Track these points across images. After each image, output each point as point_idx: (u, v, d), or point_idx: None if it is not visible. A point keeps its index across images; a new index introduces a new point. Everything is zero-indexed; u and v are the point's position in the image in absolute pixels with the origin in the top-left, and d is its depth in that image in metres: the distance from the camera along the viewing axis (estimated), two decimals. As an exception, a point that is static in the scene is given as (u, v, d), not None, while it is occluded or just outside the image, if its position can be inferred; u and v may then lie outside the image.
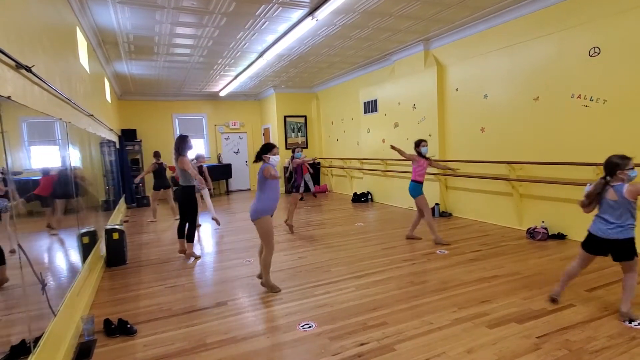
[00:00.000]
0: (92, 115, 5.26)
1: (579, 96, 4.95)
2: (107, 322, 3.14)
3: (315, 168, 12.04)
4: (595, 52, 4.72)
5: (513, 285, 3.71)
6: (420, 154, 5.36)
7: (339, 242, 5.63)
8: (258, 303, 3.58)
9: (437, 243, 5.28)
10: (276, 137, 12.27)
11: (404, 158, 5.42)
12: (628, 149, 4.47)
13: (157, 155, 8.10)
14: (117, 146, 9.74)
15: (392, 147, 5.55)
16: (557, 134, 5.20)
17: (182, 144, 4.97)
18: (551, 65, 5.26)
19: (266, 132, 13.25)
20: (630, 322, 2.84)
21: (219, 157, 12.99)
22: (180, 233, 5.28)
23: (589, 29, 4.77)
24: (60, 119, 3.39)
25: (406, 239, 5.63)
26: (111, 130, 8.19)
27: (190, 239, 5.19)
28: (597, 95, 4.76)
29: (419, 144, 5.36)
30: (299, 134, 12.53)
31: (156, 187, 8.09)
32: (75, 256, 3.63)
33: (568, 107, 5.09)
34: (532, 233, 5.38)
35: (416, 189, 5.38)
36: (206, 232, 6.94)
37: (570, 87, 5.05)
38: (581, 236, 5.14)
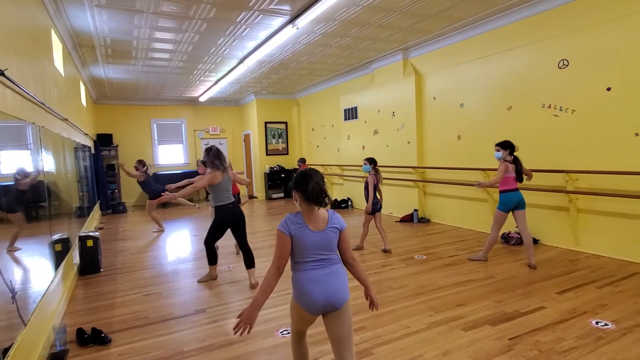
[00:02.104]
0: (66, 120, 5.14)
1: (549, 106, 5.16)
2: (80, 331, 3.06)
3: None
4: (564, 64, 4.94)
5: (487, 288, 3.81)
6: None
7: (319, 248, 5.64)
8: (237, 310, 3.55)
9: (473, 259, 4.83)
10: (257, 143, 12.23)
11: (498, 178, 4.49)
12: (594, 156, 4.70)
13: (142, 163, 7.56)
14: (92, 151, 9.51)
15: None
16: (529, 142, 5.39)
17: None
18: (523, 76, 5.47)
19: (247, 138, 13.20)
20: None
21: (198, 163, 12.82)
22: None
23: (558, 42, 4.99)
24: (34, 123, 3.31)
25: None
26: (86, 135, 8.00)
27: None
28: (566, 106, 4.97)
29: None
30: (280, 140, 12.53)
31: (151, 197, 7.46)
32: (47, 264, 3.53)
33: (539, 117, 5.29)
34: (506, 238, 5.54)
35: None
36: (185, 239, 6.84)
37: (541, 98, 5.26)
38: (553, 241, 5.39)
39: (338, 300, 1.90)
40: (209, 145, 4.36)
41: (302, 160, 9.31)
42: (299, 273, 1.92)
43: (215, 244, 4.42)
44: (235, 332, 1.79)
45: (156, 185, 7.59)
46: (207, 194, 5.58)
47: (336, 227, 1.95)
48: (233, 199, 4.29)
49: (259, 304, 1.83)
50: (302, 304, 1.92)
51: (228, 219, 4.23)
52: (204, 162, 4.34)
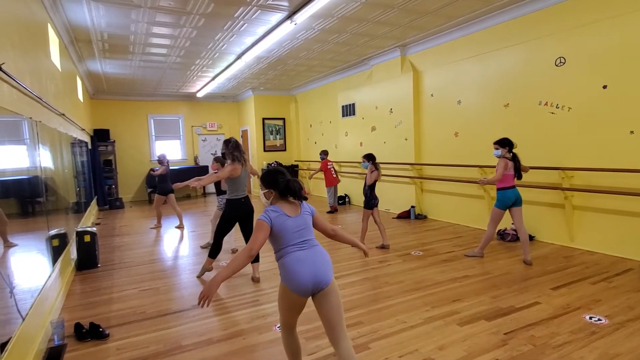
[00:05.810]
0: (63, 115, 5.12)
1: (546, 103, 5.19)
2: (78, 326, 3.07)
3: (294, 171, 12.05)
4: (561, 62, 4.96)
5: (483, 284, 3.85)
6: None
7: (316, 244, 5.66)
8: (235, 305, 3.57)
9: (469, 255, 4.85)
10: (254, 139, 12.22)
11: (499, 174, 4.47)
12: (590, 154, 4.73)
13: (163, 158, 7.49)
14: (89, 147, 9.47)
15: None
16: (525, 139, 5.40)
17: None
18: (520, 74, 5.48)
19: (244, 134, 13.18)
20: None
21: (195, 159, 12.83)
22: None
23: (555, 40, 5.00)
24: (30, 117, 3.30)
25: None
26: (83, 130, 7.97)
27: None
28: (562, 103, 5.00)
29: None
30: (278, 136, 12.53)
31: (162, 192, 7.41)
32: (45, 259, 3.53)
33: (536, 114, 5.32)
34: (502, 235, 5.58)
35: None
36: (183, 235, 6.84)
37: (538, 95, 5.28)
38: (548, 238, 5.43)
39: (324, 278, 2.02)
40: (228, 137, 4.39)
41: (325, 153, 8.73)
42: (285, 257, 2.03)
43: None
44: (200, 305, 1.87)
45: (169, 184, 7.31)
46: (216, 189, 5.60)
47: (308, 212, 2.15)
48: (247, 194, 4.31)
49: (219, 279, 1.90)
50: (292, 287, 2.01)
51: (239, 213, 4.23)
52: (218, 157, 4.31)
